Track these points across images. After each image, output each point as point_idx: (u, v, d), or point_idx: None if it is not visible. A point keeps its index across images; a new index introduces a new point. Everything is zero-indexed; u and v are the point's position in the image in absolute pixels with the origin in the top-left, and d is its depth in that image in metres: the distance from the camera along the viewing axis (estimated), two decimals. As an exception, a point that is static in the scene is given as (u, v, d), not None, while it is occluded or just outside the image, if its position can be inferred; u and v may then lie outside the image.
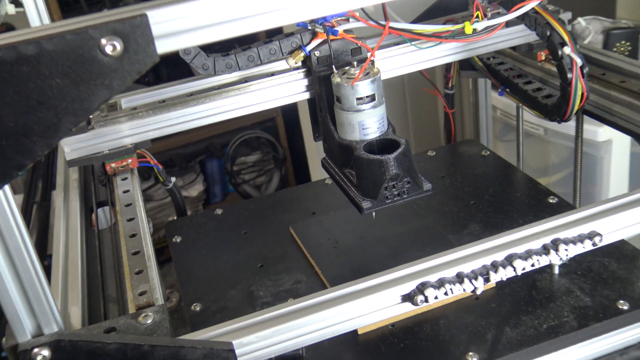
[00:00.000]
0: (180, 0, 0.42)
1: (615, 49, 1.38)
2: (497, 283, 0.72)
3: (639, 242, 0.91)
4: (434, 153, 1.08)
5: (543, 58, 0.94)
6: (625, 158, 1.38)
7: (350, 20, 0.79)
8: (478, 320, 0.70)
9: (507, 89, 0.95)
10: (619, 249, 0.77)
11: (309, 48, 0.80)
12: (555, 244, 0.58)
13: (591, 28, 1.42)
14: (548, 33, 0.77)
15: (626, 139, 1.34)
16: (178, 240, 0.94)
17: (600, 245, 0.59)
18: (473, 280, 0.56)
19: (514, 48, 0.95)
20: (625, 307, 0.68)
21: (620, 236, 0.61)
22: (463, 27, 0.80)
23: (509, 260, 0.57)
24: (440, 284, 0.55)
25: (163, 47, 0.42)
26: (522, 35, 0.92)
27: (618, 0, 1.61)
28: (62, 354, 0.47)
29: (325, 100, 0.79)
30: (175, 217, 1.03)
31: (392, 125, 0.75)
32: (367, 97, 0.71)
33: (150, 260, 0.63)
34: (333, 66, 0.77)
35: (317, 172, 2.15)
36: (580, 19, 1.43)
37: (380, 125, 0.73)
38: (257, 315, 0.54)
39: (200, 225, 0.97)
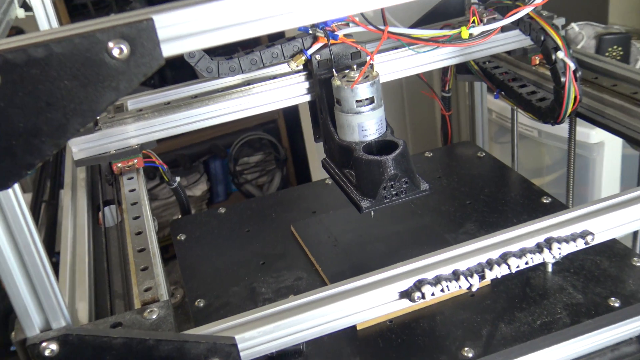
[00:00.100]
0: (185, 5, 0.42)
1: (607, 54, 1.38)
2: (492, 280, 0.72)
3: (630, 241, 0.92)
4: (431, 154, 1.08)
5: (537, 62, 0.94)
6: (616, 159, 1.38)
7: (350, 25, 0.79)
8: (473, 316, 0.70)
9: (502, 92, 0.95)
10: (611, 247, 0.77)
11: (310, 52, 0.80)
12: (548, 243, 0.58)
13: (584, 33, 1.42)
14: (542, 38, 0.77)
15: (618, 141, 1.34)
16: (182, 238, 0.94)
17: (592, 244, 0.59)
18: (469, 278, 0.56)
19: (509, 52, 0.95)
20: (617, 305, 0.68)
21: (612, 235, 0.61)
22: (460, 32, 0.80)
23: (504, 258, 0.57)
24: (436, 281, 0.55)
25: (168, 50, 0.42)
26: (517, 40, 0.92)
27: (610, 7, 1.61)
28: (69, 348, 0.47)
29: (325, 102, 0.79)
30: (180, 216, 1.03)
31: (391, 126, 0.75)
32: (366, 99, 0.71)
33: (155, 258, 0.63)
34: (333, 69, 0.77)
35: (317, 173, 2.14)
36: (573, 25, 1.43)
37: (379, 126, 0.73)
38: (259, 311, 0.54)
39: (204, 224, 0.97)
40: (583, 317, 0.67)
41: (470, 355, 0.64)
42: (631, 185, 1.39)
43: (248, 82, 0.86)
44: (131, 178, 0.81)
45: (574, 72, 0.74)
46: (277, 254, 0.87)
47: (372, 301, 0.55)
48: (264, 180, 2.54)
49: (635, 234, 0.91)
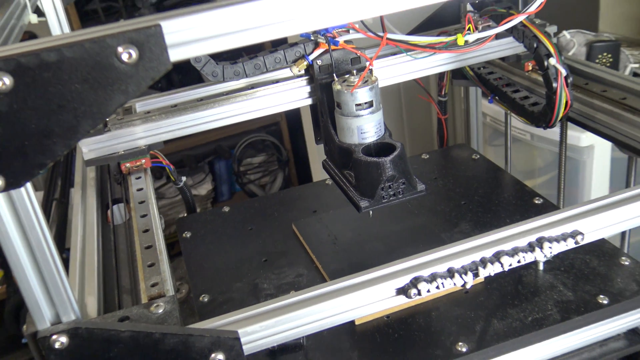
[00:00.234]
0: (191, 12, 0.42)
1: (597, 61, 1.38)
2: (485, 278, 0.72)
3: (619, 240, 0.92)
4: (428, 156, 1.08)
5: (530, 68, 0.94)
6: (606, 162, 1.38)
7: (351, 31, 0.79)
8: (467, 312, 0.70)
9: (497, 97, 0.95)
10: (600, 247, 0.77)
11: (311, 57, 0.80)
12: (540, 242, 0.58)
13: (575, 41, 1.42)
14: (535, 45, 0.77)
15: (607, 145, 1.34)
16: (188, 235, 0.94)
17: (582, 243, 0.59)
18: (463, 275, 0.56)
19: (503, 59, 0.95)
20: (605, 302, 0.68)
21: (601, 235, 0.61)
22: (456, 39, 0.81)
23: (497, 257, 0.57)
24: (432, 278, 0.55)
25: (175, 55, 0.42)
26: (510, 46, 0.92)
27: (600, 15, 1.61)
28: (78, 340, 0.47)
29: (326, 106, 0.79)
30: (185, 214, 1.03)
31: (389, 129, 0.75)
32: (365, 103, 0.71)
33: (161, 254, 0.63)
34: (334, 74, 0.77)
35: (318, 173, 2.14)
36: (565, 32, 1.43)
37: (377, 129, 0.73)
38: (261, 306, 0.54)
39: (209, 222, 0.97)
40: (573, 314, 0.67)
41: (464, 349, 0.64)
42: (620, 187, 1.38)
43: (252, 86, 0.86)
44: (139, 177, 0.82)
45: (566, 78, 0.74)
46: (278, 252, 0.87)
47: (370, 297, 0.55)
48: (267, 181, 2.54)
49: (623, 234, 0.91)
